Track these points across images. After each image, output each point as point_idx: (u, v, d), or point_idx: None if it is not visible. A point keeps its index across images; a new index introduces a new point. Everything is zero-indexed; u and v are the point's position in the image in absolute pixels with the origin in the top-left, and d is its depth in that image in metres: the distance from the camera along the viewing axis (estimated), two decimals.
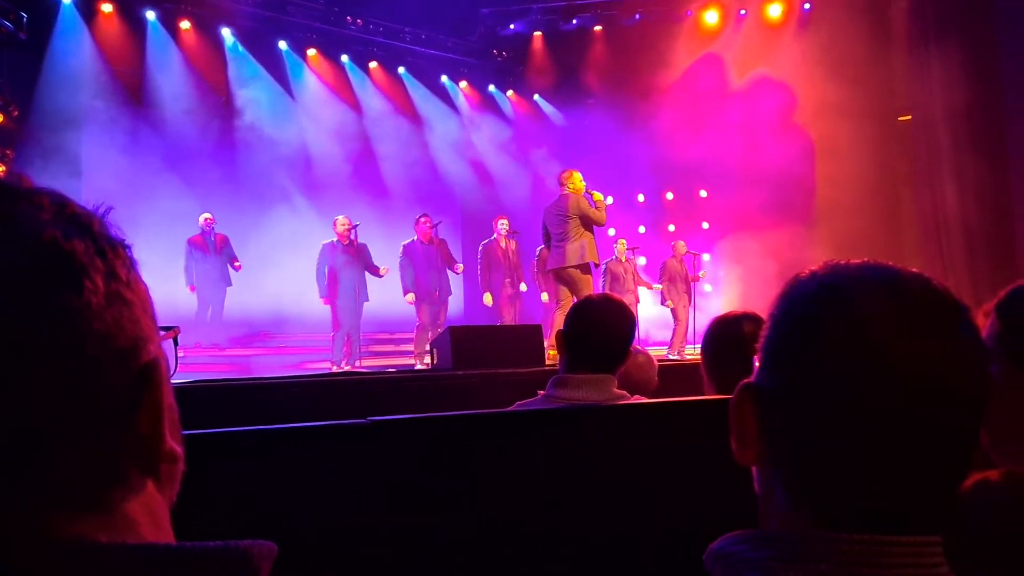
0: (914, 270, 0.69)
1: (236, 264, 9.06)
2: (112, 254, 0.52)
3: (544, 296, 9.56)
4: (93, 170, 9.35)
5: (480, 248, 9.52)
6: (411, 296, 8.72)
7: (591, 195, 7.29)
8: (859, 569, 0.63)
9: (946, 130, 9.95)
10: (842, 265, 0.71)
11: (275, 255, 10.08)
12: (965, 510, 1.03)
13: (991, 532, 1.02)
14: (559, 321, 7.16)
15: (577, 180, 7.33)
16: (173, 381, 0.61)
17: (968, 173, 9.69)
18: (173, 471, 0.57)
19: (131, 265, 0.54)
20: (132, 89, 10.23)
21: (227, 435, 1.47)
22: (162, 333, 0.61)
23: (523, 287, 9.60)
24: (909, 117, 10.73)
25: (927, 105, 10.20)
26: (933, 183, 10.14)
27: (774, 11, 11.82)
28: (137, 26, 10.37)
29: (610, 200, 7.38)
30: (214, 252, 8.94)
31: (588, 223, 7.12)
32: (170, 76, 10.45)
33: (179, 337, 0.63)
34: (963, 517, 1.02)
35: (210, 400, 3.24)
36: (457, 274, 9.27)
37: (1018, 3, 9.03)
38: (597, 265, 7.40)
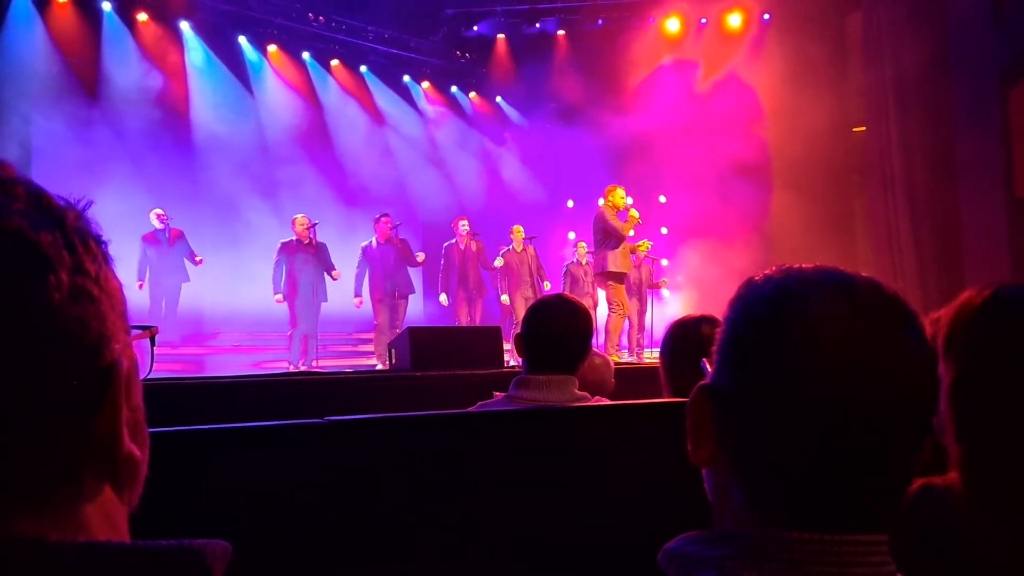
0: (866, 275, 0.71)
1: (196, 259, 8.89)
2: (82, 248, 0.50)
3: (504, 298, 9.57)
4: (43, 162, 9.13)
5: (443, 250, 9.51)
6: (358, 300, 8.81)
7: (628, 211, 7.96)
8: (810, 567, 0.64)
9: (899, 142, 10.19)
10: (796, 268, 0.72)
11: (231, 253, 9.94)
12: (912, 513, 1.06)
13: (937, 535, 1.04)
14: (613, 324, 7.86)
15: (616, 196, 8.00)
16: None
17: (919, 184, 9.94)
18: (133, 475, 0.55)
19: (103, 261, 0.52)
20: (86, 81, 9.99)
21: (181, 433, 1.44)
22: (138, 332, 0.59)
23: (504, 298, 9.55)
24: (863, 128, 10.96)
25: (881, 116, 10.44)
26: (886, 193, 10.37)
27: (734, 20, 11.99)
28: (92, 17, 10.14)
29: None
30: (167, 247, 8.78)
31: (607, 235, 7.79)
32: (126, 69, 10.21)
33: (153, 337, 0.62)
34: (910, 519, 1.05)
35: (163, 398, 3.18)
36: (417, 266, 9.18)
37: (967, 18, 9.27)
38: (626, 273, 8.02)
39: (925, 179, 9.88)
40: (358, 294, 8.80)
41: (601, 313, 8.27)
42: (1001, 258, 8.64)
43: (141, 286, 8.61)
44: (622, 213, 7.97)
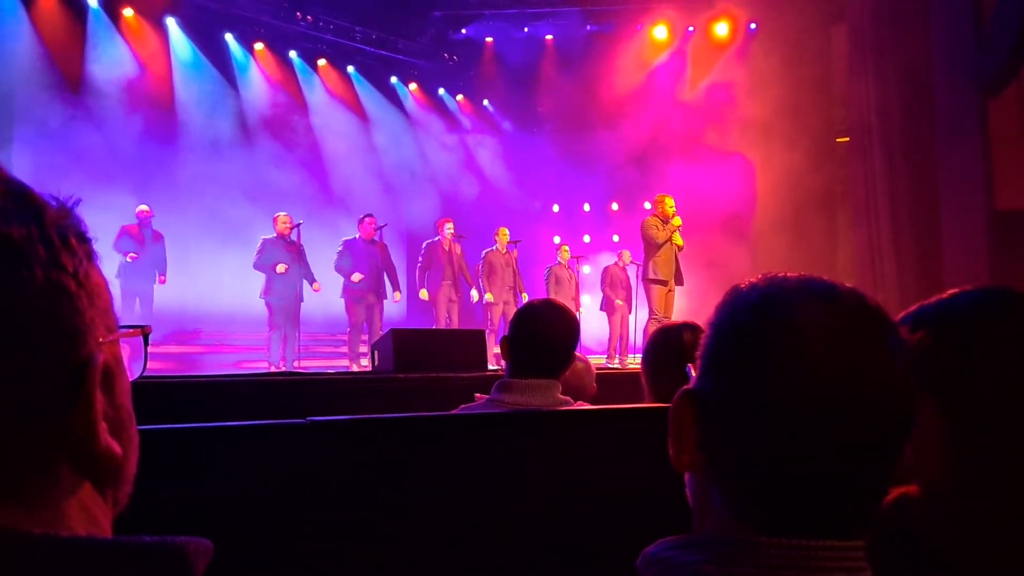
0: (849, 286, 0.72)
1: (162, 277, 8.74)
2: (60, 243, 0.50)
3: (489, 296, 9.55)
4: (24, 157, 9.04)
5: (424, 247, 9.44)
6: (357, 276, 8.63)
7: (671, 220, 8.30)
8: (787, 572, 0.65)
9: (881, 152, 10.28)
10: (781, 277, 0.73)
11: (214, 250, 9.87)
12: (887, 520, 1.07)
13: (911, 543, 1.05)
14: (650, 328, 7.96)
15: (665, 205, 8.40)
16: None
17: (901, 195, 10.04)
18: (115, 472, 0.55)
19: (85, 257, 0.52)
20: (70, 76, 9.88)
21: (162, 432, 1.44)
22: (128, 331, 0.59)
23: (474, 295, 9.51)
24: (847, 139, 11.06)
25: (865, 127, 10.53)
26: (868, 203, 10.46)
27: (721, 29, 12.07)
28: (78, 12, 10.06)
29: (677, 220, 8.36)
30: (150, 245, 8.69)
31: (648, 243, 8.27)
32: (110, 65, 10.11)
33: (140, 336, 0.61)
34: (885, 527, 1.06)
35: (142, 396, 3.16)
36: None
37: (950, 31, 9.38)
38: (668, 282, 8.32)
39: (906, 190, 9.98)
40: (354, 273, 8.63)
41: (587, 319, 8.34)
42: (980, 269, 8.72)
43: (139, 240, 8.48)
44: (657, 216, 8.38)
